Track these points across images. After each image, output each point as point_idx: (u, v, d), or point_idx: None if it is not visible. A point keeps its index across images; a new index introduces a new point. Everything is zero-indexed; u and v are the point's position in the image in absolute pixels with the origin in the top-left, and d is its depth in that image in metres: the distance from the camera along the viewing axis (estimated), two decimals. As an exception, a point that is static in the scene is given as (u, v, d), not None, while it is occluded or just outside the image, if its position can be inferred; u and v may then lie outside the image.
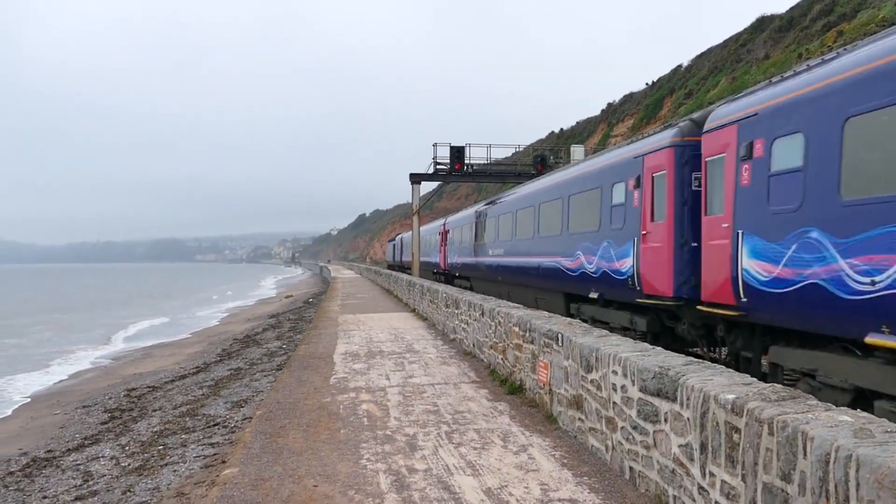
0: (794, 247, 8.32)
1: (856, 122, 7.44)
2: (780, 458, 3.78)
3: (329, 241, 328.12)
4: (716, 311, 10.23)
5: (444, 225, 39.69)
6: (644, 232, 12.78)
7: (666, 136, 12.39)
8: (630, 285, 13.22)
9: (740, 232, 9.53)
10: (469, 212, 32.96)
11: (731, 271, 9.70)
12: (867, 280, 7.15)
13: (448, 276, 37.91)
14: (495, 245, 25.19)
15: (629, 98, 70.63)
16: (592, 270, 15.08)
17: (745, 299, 9.39)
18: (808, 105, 8.36)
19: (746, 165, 9.53)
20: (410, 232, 65.22)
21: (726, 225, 9.93)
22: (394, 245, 75.51)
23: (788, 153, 8.59)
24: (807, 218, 8.15)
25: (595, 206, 15.24)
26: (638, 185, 13.11)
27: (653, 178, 12.59)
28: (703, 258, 10.68)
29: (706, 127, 10.85)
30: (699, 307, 10.76)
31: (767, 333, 9.67)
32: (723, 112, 10.49)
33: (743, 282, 9.38)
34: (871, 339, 7.13)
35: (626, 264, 13.41)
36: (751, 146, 9.44)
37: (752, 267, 9.21)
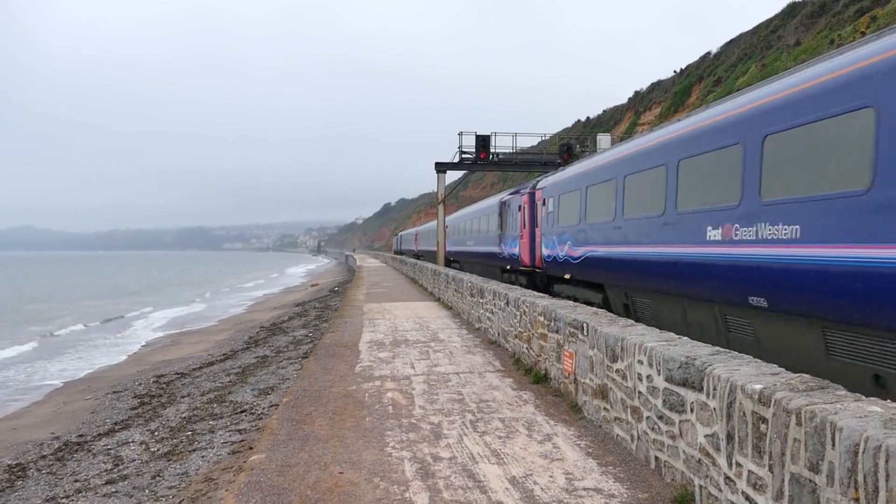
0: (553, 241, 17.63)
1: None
2: (808, 448, 3.75)
3: (354, 229, 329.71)
4: (532, 268, 21.12)
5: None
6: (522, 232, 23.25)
7: (525, 190, 23.51)
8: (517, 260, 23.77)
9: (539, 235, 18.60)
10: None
11: (538, 252, 20.38)
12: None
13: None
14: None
15: (657, 86, 69.94)
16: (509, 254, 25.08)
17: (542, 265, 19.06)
18: (552, 187, 19.52)
19: (542, 208, 20.07)
20: (408, 230, 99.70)
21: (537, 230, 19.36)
22: (396, 239, 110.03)
23: (551, 205, 19.19)
24: (555, 230, 17.78)
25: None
26: (520, 209, 23.52)
27: (520, 206, 23.68)
28: (536, 246, 20.73)
29: (536, 188, 21.52)
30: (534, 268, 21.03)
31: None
32: (538, 184, 21.44)
33: (540, 256, 19.63)
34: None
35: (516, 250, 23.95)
36: (543, 200, 20.14)
37: (543, 251, 19.77)
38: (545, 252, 20.03)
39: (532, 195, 22.50)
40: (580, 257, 16.70)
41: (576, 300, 15.39)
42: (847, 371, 7.62)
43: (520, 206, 24.00)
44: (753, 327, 9.50)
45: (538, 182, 22.68)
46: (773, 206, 8.59)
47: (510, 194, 26.46)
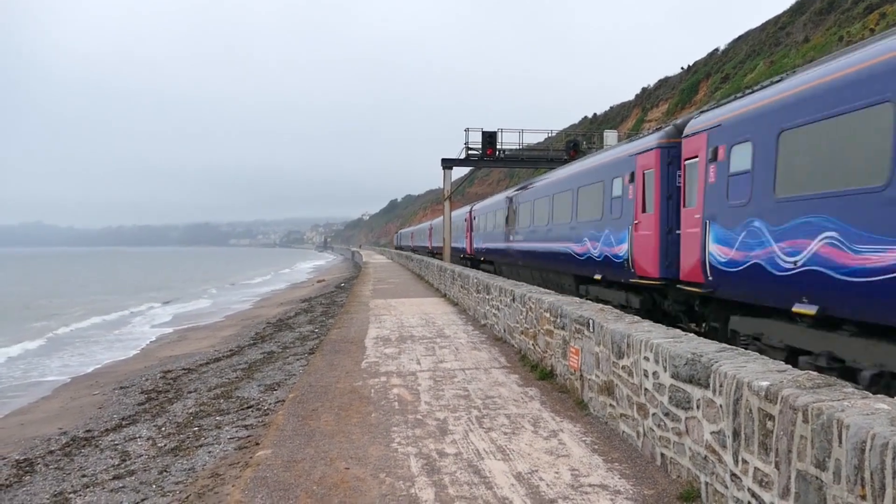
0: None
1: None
2: (814, 445, 3.74)
3: (361, 226, 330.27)
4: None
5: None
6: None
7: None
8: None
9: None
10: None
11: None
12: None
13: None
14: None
15: (664, 82, 69.78)
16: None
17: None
18: (476, 210, 32.54)
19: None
20: (405, 229, 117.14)
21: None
22: (396, 236, 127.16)
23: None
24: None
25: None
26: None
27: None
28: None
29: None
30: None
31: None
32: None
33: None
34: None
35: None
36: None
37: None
38: (475, 245, 37.15)
39: (470, 212, 39.56)
40: (485, 248, 33.68)
41: (486, 270, 32.00)
42: (534, 277, 23.43)
43: (465, 219, 41.20)
44: (522, 272, 25.78)
45: (473, 207, 39.98)
46: (519, 231, 26.09)
47: (462, 211, 44.93)
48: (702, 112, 12.46)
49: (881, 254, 7.30)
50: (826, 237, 8.16)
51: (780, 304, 9.20)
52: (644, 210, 14.14)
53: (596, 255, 16.83)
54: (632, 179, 14.67)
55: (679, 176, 13.01)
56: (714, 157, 11.03)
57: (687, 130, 12.53)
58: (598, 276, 16.89)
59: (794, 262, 8.74)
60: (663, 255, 13.36)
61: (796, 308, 8.72)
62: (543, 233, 22.33)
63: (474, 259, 37.73)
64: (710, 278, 11.03)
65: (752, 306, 10.23)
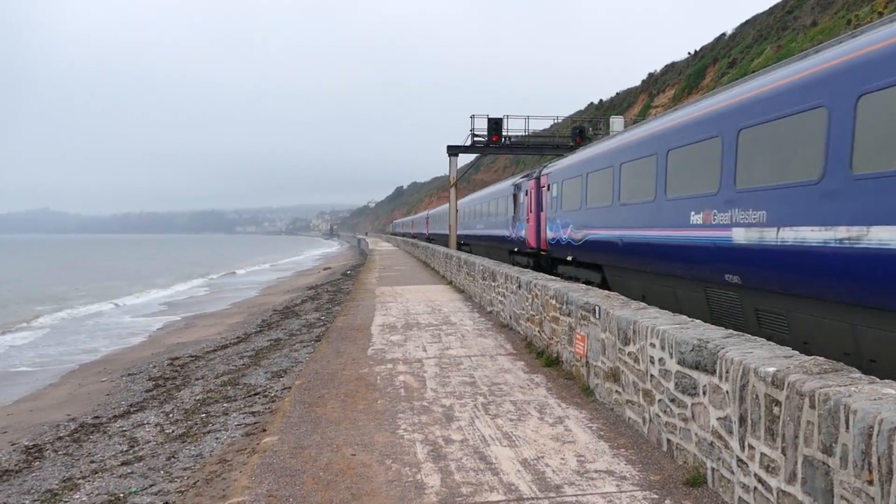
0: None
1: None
2: (821, 431, 3.73)
3: (367, 213, 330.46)
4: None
5: None
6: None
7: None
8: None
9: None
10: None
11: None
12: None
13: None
14: None
15: (671, 68, 69.36)
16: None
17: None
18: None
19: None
20: (398, 220, 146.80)
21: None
22: (392, 225, 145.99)
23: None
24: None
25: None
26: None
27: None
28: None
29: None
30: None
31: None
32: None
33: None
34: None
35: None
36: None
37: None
38: (431, 231, 55.32)
39: (427, 218, 58.93)
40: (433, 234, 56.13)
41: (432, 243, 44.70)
42: (485, 254, 34.87)
43: (426, 218, 59.21)
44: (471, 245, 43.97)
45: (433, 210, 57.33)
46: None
47: (421, 214, 78.66)
48: (544, 166, 22.92)
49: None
50: (567, 228, 18.93)
51: (566, 255, 19.09)
52: (530, 212, 24.17)
53: (513, 236, 27.58)
54: (526, 194, 24.90)
55: (542, 194, 22.33)
56: (548, 188, 21.15)
57: (540, 174, 22.91)
58: (516, 249, 27.30)
59: (570, 236, 18.34)
60: (537, 235, 22.98)
61: (569, 256, 18.68)
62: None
63: (430, 239, 59.72)
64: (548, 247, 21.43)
65: (562, 259, 19.97)
